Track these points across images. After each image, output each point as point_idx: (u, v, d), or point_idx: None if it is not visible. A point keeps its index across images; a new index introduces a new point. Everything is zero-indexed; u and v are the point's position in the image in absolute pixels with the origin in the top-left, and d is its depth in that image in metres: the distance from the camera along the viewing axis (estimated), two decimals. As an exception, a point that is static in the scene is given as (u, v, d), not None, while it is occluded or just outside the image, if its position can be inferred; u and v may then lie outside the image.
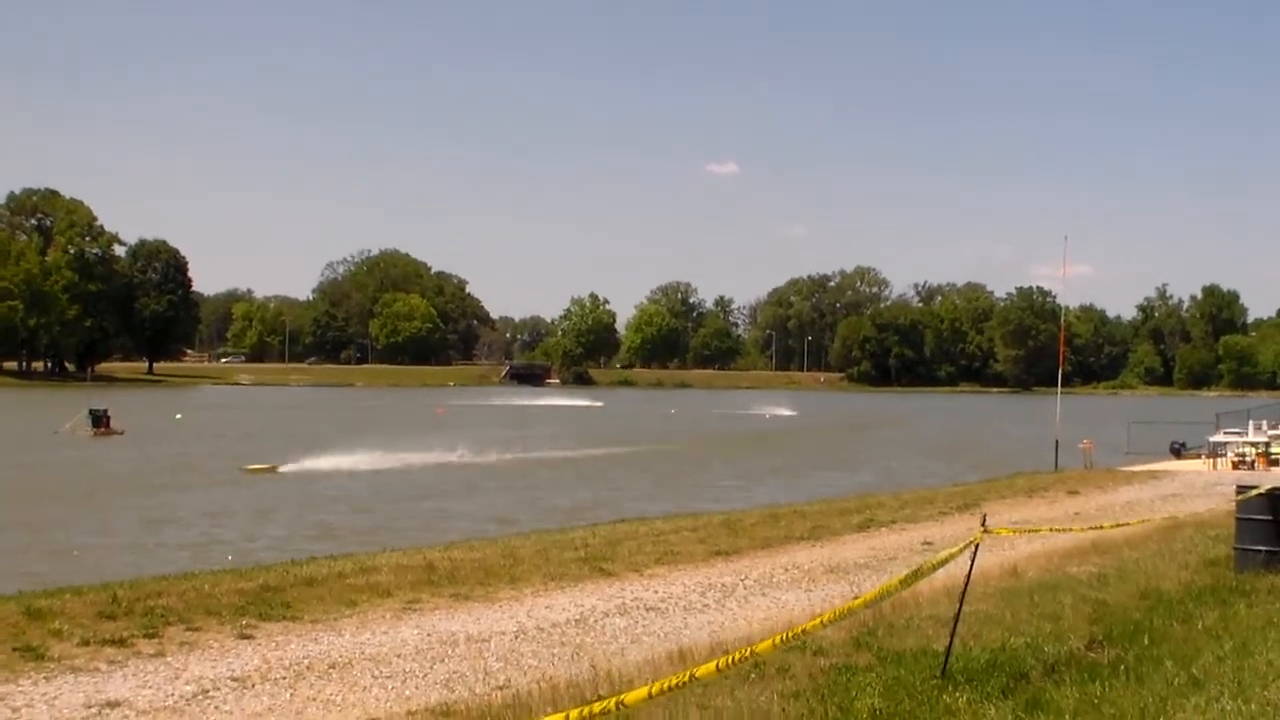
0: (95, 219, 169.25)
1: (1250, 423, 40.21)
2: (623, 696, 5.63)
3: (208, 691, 9.82)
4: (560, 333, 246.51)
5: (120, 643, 11.12)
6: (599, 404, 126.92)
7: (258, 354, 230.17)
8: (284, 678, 10.33)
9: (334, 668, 10.71)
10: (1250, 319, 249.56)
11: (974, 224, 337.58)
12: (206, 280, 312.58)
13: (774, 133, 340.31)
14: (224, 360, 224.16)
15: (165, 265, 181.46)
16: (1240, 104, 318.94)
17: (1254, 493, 14.14)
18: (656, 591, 14.71)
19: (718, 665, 6.23)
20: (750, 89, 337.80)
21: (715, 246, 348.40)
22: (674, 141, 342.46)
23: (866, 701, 8.14)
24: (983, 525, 8.92)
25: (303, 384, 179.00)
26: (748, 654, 6.68)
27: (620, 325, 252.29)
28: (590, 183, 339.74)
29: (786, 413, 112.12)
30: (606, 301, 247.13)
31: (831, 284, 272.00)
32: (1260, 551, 13.79)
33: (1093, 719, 7.88)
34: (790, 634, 7.06)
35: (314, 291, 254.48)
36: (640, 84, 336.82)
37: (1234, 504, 14.56)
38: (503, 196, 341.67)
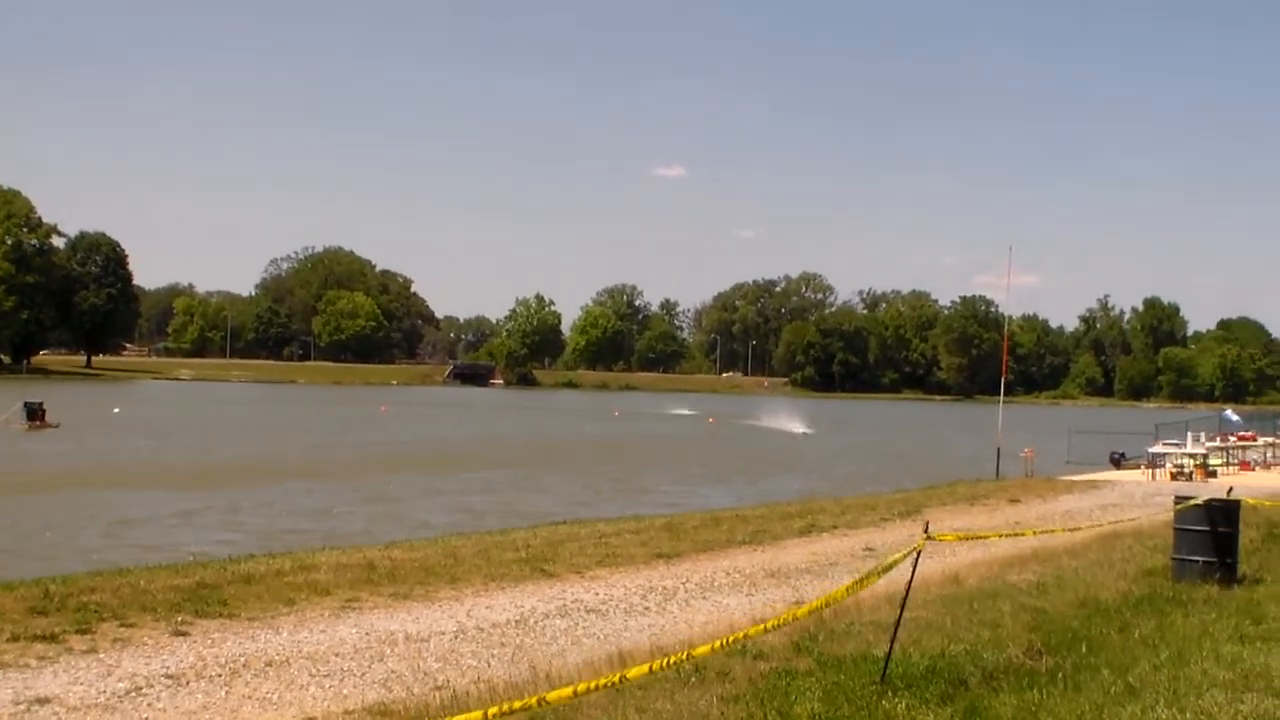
0: (34, 210, 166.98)
1: (1189, 434, 40.64)
2: (546, 695, 5.60)
3: (141, 688, 9.69)
4: (505, 333, 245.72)
5: (52, 639, 10.95)
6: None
7: (199, 349, 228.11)
8: (219, 675, 10.21)
9: (271, 666, 10.60)
10: (1190, 332, 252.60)
11: (920, 232, 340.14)
12: (147, 274, 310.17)
13: (721, 136, 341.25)
14: (153, 355, 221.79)
15: (105, 258, 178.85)
16: (1188, 116, 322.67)
17: (1191, 503, 14.25)
18: (597, 593, 14.67)
19: (651, 668, 6.22)
20: (698, 92, 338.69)
21: (661, 249, 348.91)
22: (621, 143, 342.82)
23: (806, 706, 8.12)
24: (925, 532, 8.93)
25: (244, 380, 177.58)
26: (685, 658, 6.66)
27: (566, 327, 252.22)
28: (537, 184, 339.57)
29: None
30: (552, 303, 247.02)
31: (777, 289, 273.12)
32: (1197, 561, 13.92)
33: (1030, 726, 7.91)
34: (733, 639, 7.06)
35: (257, 287, 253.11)
36: (588, 85, 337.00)
37: (1172, 514, 14.67)
38: (449, 196, 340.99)
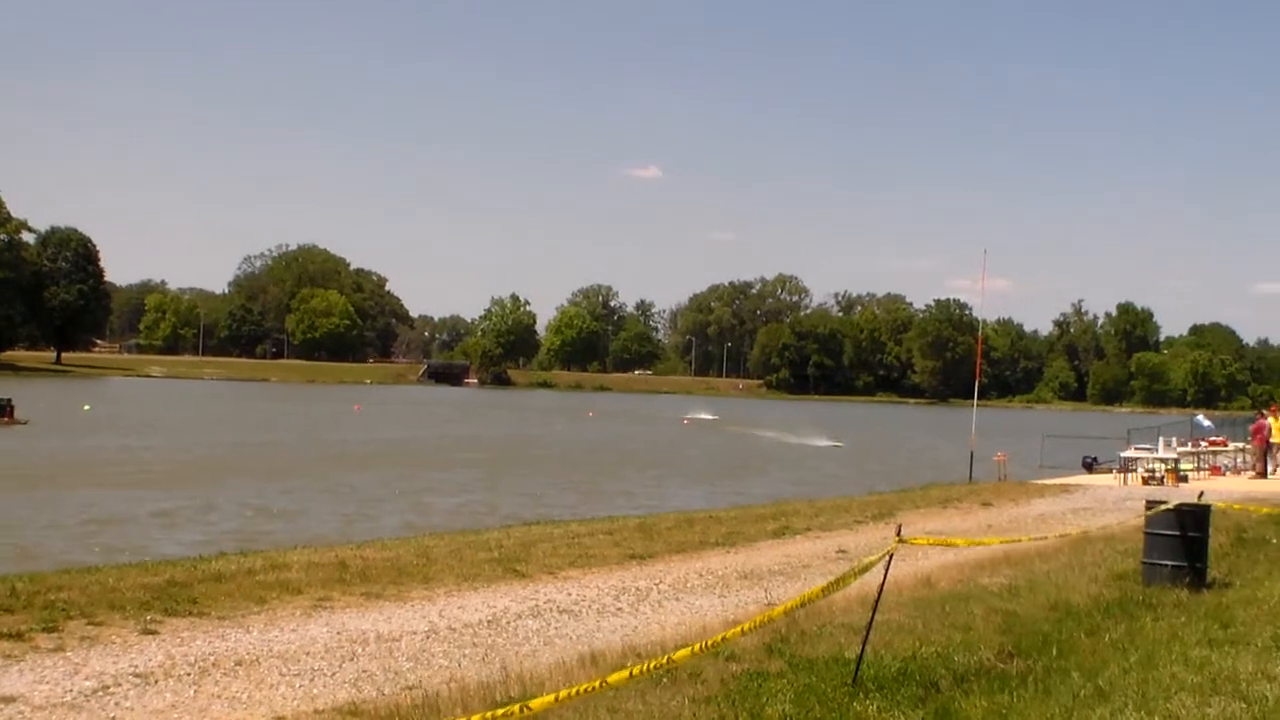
0: (3, 205, 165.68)
1: (1160, 439, 40.85)
2: (529, 701, 5.58)
3: (108, 687, 9.61)
4: (480, 333, 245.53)
5: (17, 637, 10.85)
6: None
7: (171, 347, 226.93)
8: (189, 674, 10.14)
9: (241, 665, 10.53)
10: (1162, 337, 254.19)
11: (895, 235, 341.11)
12: (119, 271, 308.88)
13: (697, 138, 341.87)
14: (125, 352, 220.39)
15: (76, 254, 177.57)
16: (1162, 122, 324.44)
17: (1162, 508, 14.30)
18: (570, 594, 14.64)
19: (630, 673, 6.21)
20: (674, 93, 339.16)
21: (637, 250, 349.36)
22: (597, 144, 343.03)
23: (778, 708, 8.12)
24: (898, 535, 8.94)
25: (216, 378, 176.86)
26: (664, 662, 6.66)
27: (541, 327, 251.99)
28: (513, 183, 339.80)
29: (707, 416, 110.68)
30: (527, 303, 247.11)
31: (752, 291, 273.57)
32: (1167, 566, 13.97)
33: (1001, 729, 7.93)
34: (709, 643, 7.05)
35: (230, 285, 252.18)
36: (564, 86, 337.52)
37: (1143, 519, 14.72)
38: (425, 195, 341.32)
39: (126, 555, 19.84)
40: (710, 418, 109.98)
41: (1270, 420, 38.67)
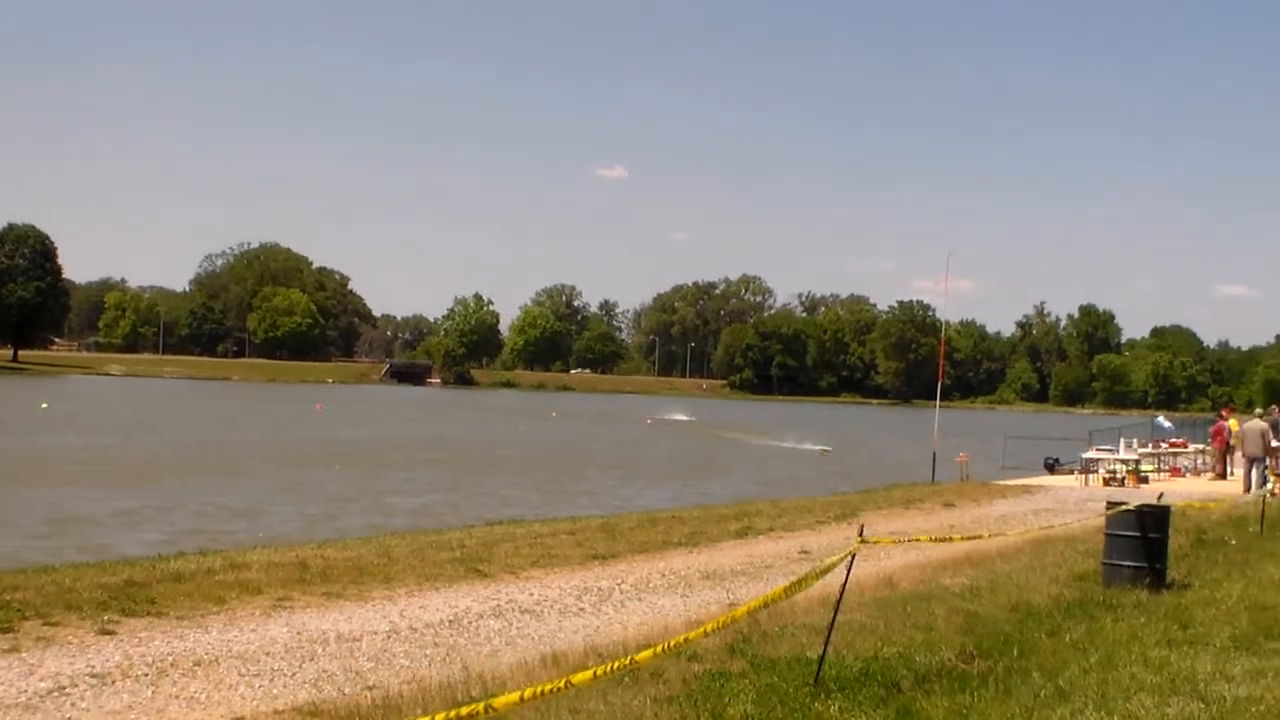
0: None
1: (1121, 440, 41.04)
2: (492, 701, 5.55)
3: (64, 688, 9.52)
4: (443, 332, 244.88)
5: (-28, 638, 10.77)
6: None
7: (130, 345, 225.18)
8: (146, 675, 10.06)
9: (199, 665, 10.46)
10: (1124, 339, 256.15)
11: (859, 236, 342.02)
12: (78, 268, 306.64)
13: (663, 138, 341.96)
14: (83, 350, 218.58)
15: (33, 251, 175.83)
16: (1123, 123, 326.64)
17: (1123, 509, 14.37)
18: (532, 594, 14.61)
19: (595, 674, 6.18)
20: (641, 93, 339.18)
21: (602, 250, 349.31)
22: (564, 144, 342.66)
23: (739, 708, 8.11)
24: (860, 536, 8.95)
25: (177, 376, 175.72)
26: (627, 663, 6.63)
27: (504, 327, 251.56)
28: (477, 182, 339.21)
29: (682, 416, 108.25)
30: (490, 302, 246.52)
31: (717, 291, 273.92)
32: (1127, 567, 14.03)
33: (962, 729, 7.94)
34: (672, 643, 7.03)
35: (191, 283, 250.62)
36: (531, 84, 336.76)
37: (1104, 520, 14.79)
38: (388, 194, 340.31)
39: (84, 555, 19.67)
40: (685, 419, 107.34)
41: (1229, 422, 38.98)
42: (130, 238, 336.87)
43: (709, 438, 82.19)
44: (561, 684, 5.94)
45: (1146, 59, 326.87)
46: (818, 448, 68.16)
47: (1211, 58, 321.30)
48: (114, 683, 9.78)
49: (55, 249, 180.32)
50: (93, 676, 9.88)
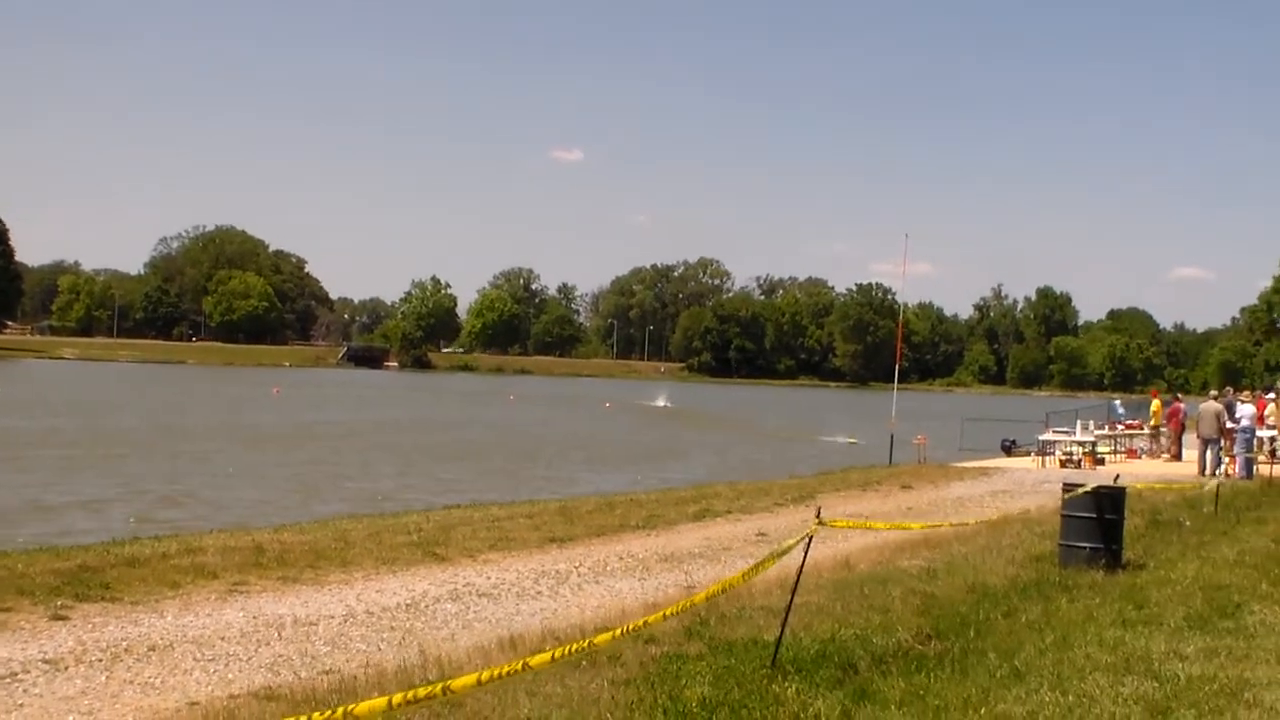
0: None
1: (1078, 422, 41.25)
2: (450, 683, 5.53)
3: (16, 674, 9.43)
4: (400, 315, 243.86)
5: (-78, 624, 10.65)
6: None
7: (85, 329, 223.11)
8: (100, 660, 9.99)
9: (154, 650, 10.39)
10: (1081, 321, 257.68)
11: (817, 219, 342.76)
12: (31, 251, 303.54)
13: (620, 121, 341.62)
14: (36, 334, 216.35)
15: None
16: (1076, 107, 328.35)
17: (1079, 490, 14.45)
18: (489, 577, 14.59)
19: (553, 656, 6.17)
20: (597, 76, 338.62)
21: (559, 233, 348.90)
22: (520, 126, 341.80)
23: (696, 690, 8.11)
24: (817, 518, 8.96)
25: (132, 360, 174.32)
26: (585, 645, 6.62)
27: (462, 310, 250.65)
28: (434, 165, 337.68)
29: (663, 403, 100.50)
30: (448, 285, 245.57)
31: (675, 274, 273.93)
32: (1084, 548, 14.12)
33: (918, 709, 7.96)
34: (630, 627, 7.03)
35: (146, 266, 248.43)
36: (487, 67, 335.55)
37: (1060, 501, 14.87)
38: (344, 176, 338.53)
39: (37, 539, 19.49)
40: (666, 405, 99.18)
41: (1182, 404, 39.32)
42: (84, 221, 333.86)
43: (726, 429, 75.01)
44: (518, 666, 5.93)
45: (1105, 42, 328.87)
46: (845, 440, 62.11)
47: (1167, 40, 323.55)
48: (67, 668, 9.70)
49: (7, 231, 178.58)
50: (45, 662, 9.79)
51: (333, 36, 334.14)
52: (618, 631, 6.86)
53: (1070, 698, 8.21)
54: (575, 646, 6.46)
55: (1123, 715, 7.91)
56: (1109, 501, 14.28)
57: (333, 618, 11.97)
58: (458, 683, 5.59)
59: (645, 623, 7.22)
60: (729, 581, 8.07)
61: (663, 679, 8.48)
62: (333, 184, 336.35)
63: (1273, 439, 33.54)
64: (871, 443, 56.15)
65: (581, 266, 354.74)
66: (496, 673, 5.76)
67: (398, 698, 5.16)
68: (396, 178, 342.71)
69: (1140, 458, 38.98)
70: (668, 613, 7.39)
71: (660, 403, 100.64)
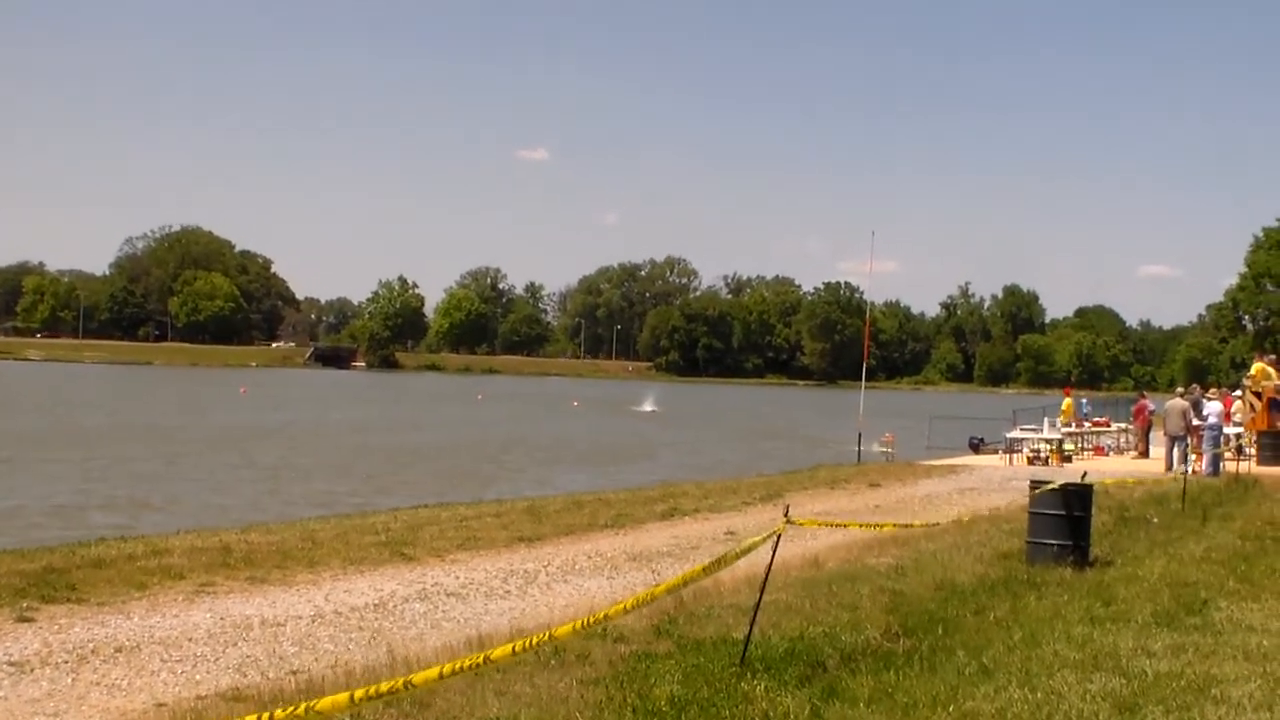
0: None
1: (1045, 420, 41.35)
2: (411, 677, 5.53)
3: (-19, 676, 9.37)
4: (367, 315, 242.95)
5: (-115, 627, 10.55)
6: None
7: (50, 330, 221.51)
8: (66, 661, 9.92)
9: (121, 651, 10.33)
10: (1048, 319, 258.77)
11: (784, 218, 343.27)
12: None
13: (585, 120, 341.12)
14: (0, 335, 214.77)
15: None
16: (1043, 105, 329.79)
17: (1047, 488, 14.50)
18: (458, 577, 14.55)
19: (514, 649, 6.16)
20: (562, 74, 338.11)
21: (526, 232, 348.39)
22: (485, 125, 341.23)
23: (665, 689, 8.11)
24: (786, 516, 8.96)
25: (98, 361, 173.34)
26: (546, 638, 6.61)
27: (429, 309, 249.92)
28: (400, 164, 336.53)
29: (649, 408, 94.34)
30: (415, 285, 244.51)
31: (642, 273, 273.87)
32: (1052, 545, 14.17)
33: (886, 707, 7.98)
34: (591, 619, 7.01)
35: (111, 267, 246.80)
36: (452, 66, 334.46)
37: (1028, 498, 14.92)
38: (310, 176, 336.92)
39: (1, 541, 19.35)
40: (653, 409, 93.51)
41: (1148, 401, 39.53)
42: (48, 221, 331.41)
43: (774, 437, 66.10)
44: (480, 659, 5.91)
45: (1072, 39, 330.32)
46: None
47: (1135, 38, 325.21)
48: (33, 670, 9.62)
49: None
50: (11, 665, 9.72)
51: (298, 36, 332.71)
52: (578, 624, 6.84)
53: (1039, 695, 8.24)
54: (536, 639, 6.45)
55: (1091, 712, 7.94)
56: (1076, 498, 14.34)
57: (300, 618, 11.92)
58: (419, 676, 5.59)
59: (606, 615, 7.19)
60: (689, 575, 8.05)
61: (631, 678, 8.48)
62: (299, 184, 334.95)
63: (1239, 436, 33.76)
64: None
65: (549, 266, 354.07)
66: (459, 665, 5.75)
67: (359, 692, 5.16)
68: (362, 178, 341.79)
69: (1108, 454, 39.17)
70: (628, 605, 7.37)
71: (647, 408, 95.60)
